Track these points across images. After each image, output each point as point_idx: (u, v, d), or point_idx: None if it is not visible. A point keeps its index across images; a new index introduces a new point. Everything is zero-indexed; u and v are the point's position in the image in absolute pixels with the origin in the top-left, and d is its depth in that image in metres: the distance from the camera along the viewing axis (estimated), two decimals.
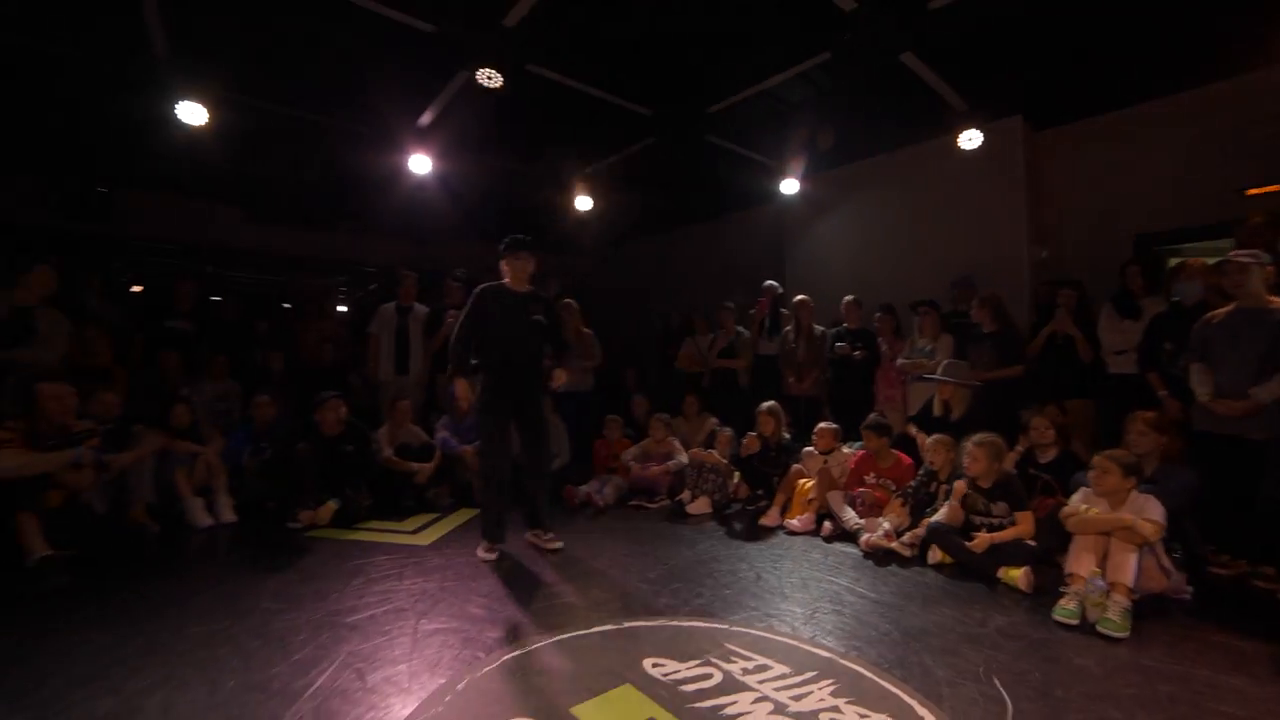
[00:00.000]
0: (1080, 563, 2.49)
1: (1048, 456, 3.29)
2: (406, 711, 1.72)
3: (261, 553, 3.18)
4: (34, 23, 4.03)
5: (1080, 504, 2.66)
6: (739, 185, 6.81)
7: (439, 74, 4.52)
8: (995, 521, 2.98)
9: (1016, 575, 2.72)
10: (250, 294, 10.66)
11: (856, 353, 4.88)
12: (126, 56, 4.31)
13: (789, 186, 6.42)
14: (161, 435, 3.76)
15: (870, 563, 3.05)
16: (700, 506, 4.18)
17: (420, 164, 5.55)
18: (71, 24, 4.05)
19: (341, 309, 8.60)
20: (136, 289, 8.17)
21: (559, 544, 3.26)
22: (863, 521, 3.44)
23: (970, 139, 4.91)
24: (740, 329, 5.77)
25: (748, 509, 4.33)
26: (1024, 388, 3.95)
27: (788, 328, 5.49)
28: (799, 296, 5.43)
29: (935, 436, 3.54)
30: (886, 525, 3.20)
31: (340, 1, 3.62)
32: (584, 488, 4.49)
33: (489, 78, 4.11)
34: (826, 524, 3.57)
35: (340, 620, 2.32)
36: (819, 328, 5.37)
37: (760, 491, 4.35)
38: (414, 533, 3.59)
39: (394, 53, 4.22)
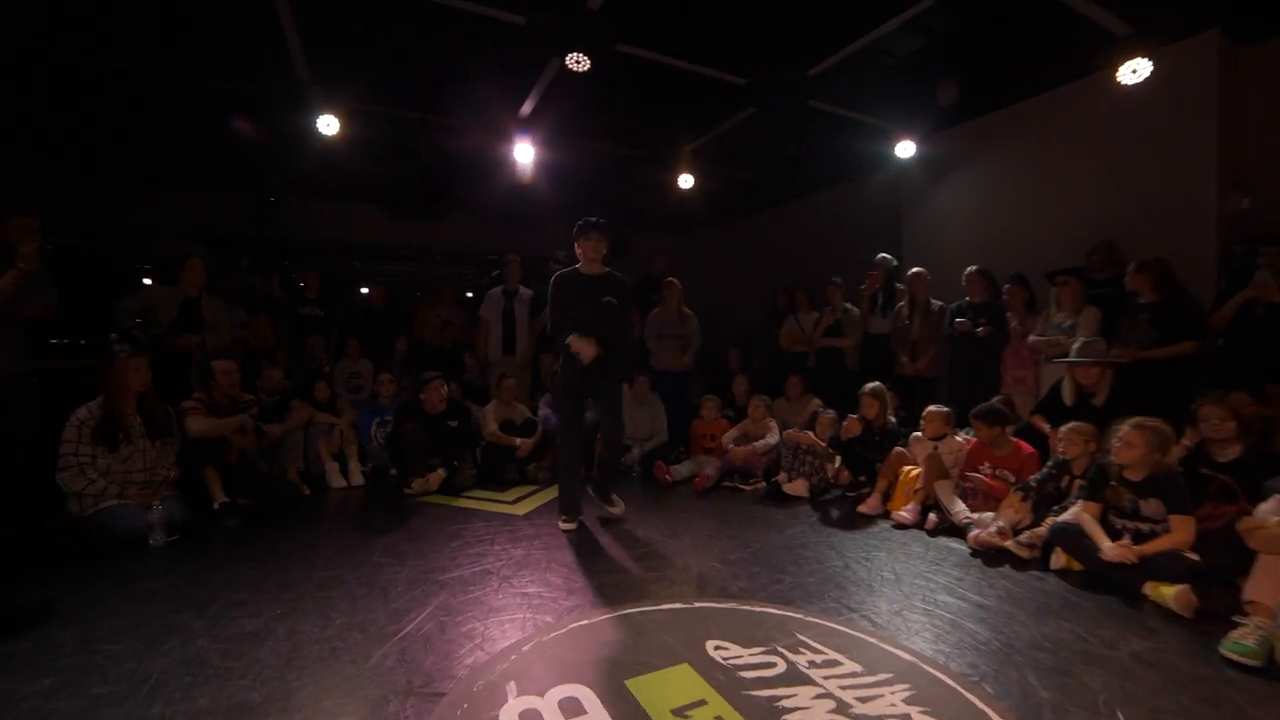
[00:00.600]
0: (1266, 589, 2.00)
1: (1228, 454, 2.70)
2: (475, 663, 1.84)
3: (379, 513, 3.57)
4: (196, 60, 4.74)
5: (1272, 515, 2.17)
6: (847, 152, 6.33)
7: (534, 64, 4.66)
8: (1145, 528, 2.53)
9: (1169, 594, 2.23)
10: (390, 282, 11.91)
11: (979, 329, 4.38)
12: (275, 80, 4.93)
13: (904, 149, 5.87)
14: (308, 407, 4.33)
15: (979, 562, 2.74)
16: (797, 488, 4.02)
17: (524, 153, 5.79)
18: (225, 57, 4.69)
19: (470, 294, 9.34)
20: (303, 283, 9.37)
21: (619, 509, 3.39)
22: (974, 516, 3.10)
23: (1135, 70, 4.09)
24: (848, 306, 5.41)
25: (848, 495, 4.10)
26: (1202, 369, 3.30)
27: (901, 303, 5.08)
28: (914, 269, 4.98)
29: (1072, 424, 3.07)
30: (1001, 521, 2.86)
31: (440, 7, 3.85)
32: (677, 466, 4.49)
33: (577, 62, 4.17)
34: (932, 516, 3.27)
35: (434, 577, 2.53)
36: (937, 303, 4.90)
37: (863, 478, 4.10)
38: (512, 503, 3.82)
39: (492, 48, 4.41)
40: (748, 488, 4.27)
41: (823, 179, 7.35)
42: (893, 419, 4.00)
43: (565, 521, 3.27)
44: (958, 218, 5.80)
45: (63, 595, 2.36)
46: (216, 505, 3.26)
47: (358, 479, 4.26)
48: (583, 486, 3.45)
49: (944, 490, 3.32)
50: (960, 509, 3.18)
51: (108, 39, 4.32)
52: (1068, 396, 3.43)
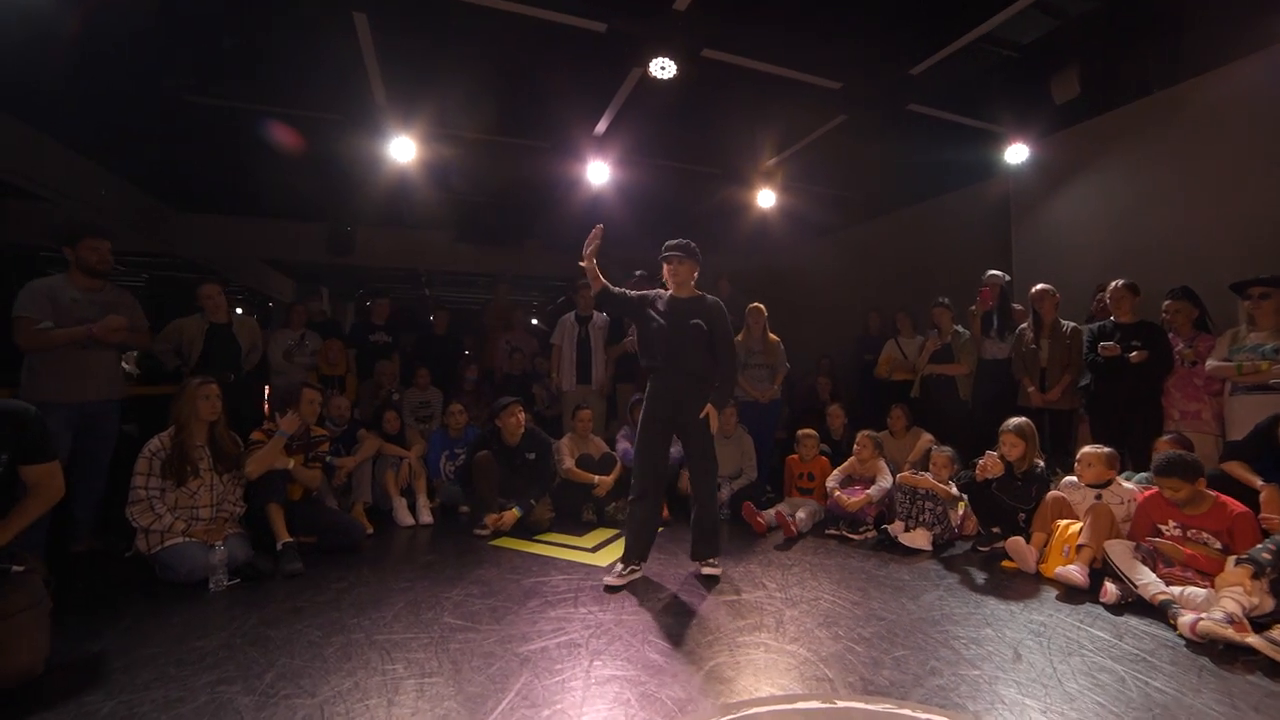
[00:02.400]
0: None
1: None
2: None
3: (449, 559, 3.25)
4: (279, 90, 4.78)
5: None
6: (951, 160, 5.77)
7: (613, 75, 4.42)
8: None
9: None
10: (462, 310, 12.01)
11: (1132, 354, 3.68)
12: (353, 106, 4.92)
13: (1015, 154, 5.28)
14: (377, 438, 4.13)
15: (1205, 660, 2.09)
16: (917, 539, 3.44)
17: (598, 172, 5.58)
18: (305, 84, 4.70)
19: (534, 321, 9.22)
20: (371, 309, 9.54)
21: (718, 570, 2.96)
22: (1174, 592, 2.45)
23: None
24: (958, 328, 4.80)
25: (979, 550, 3.47)
26: None
27: (1023, 325, 4.44)
28: (1039, 286, 4.34)
29: None
30: (1228, 605, 2.21)
31: (515, 17, 3.67)
32: (773, 509, 3.99)
33: (662, 68, 3.89)
34: (1110, 585, 2.62)
35: (513, 649, 2.16)
36: (1068, 323, 4.24)
37: (996, 529, 3.47)
38: (593, 550, 3.43)
39: (568, 60, 4.21)
40: (857, 536, 3.71)
41: (918, 191, 6.78)
42: (1040, 462, 3.36)
43: (618, 576, 2.84)
44: (1080, 228, 5.09)
45: (113, 649, 2.13)
46: (280, 545, 3.04)
47: (426, 517, 3.98)
48: (656, 531, 3.08)
49: (1121, 555, 2.67)
50: (1151, 581, 2.53)
51: (197, 70, 4.39)
52: None
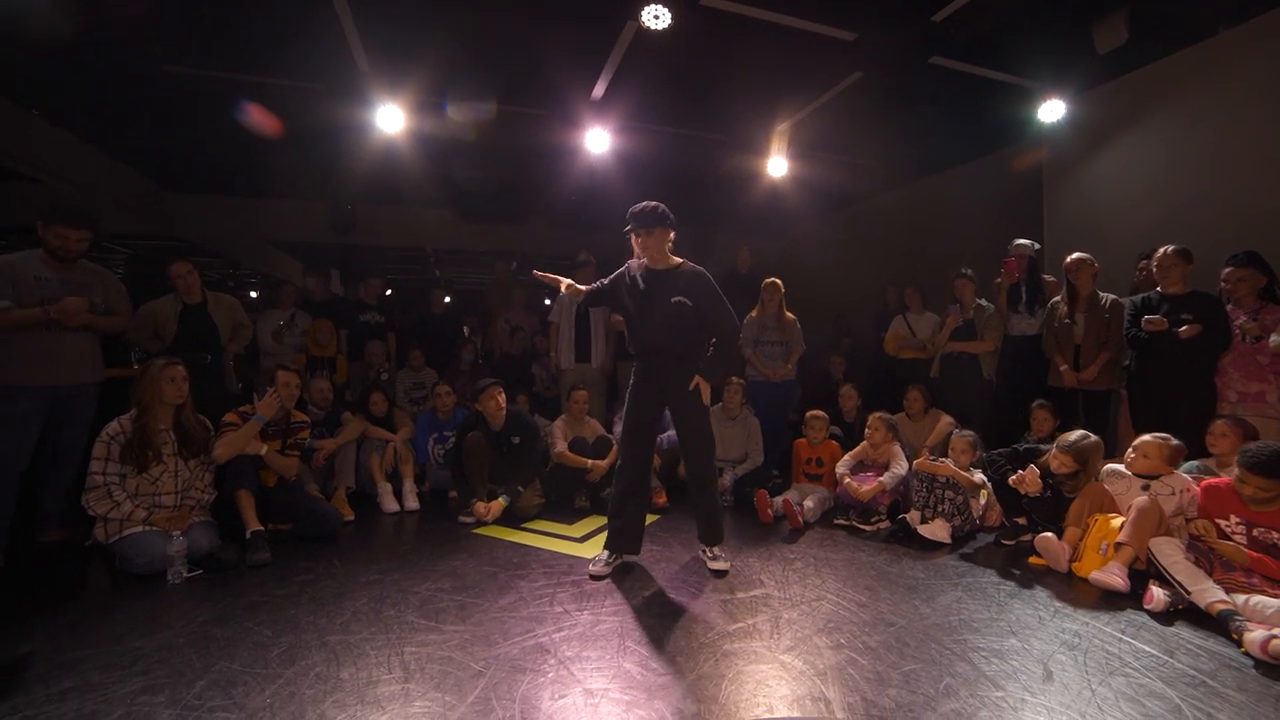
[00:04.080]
0: None
1: None
2: None
3: (426, 549, 3.06)
4: (257, 59, 4.55)
5: None
6: (977, 120, 5.32)
7: (607, 31, 4.09)
8: None
9: None
10: (471, 291, 11.79)
11: (1182, 329, 3.30)
12: (337, 74, 4.66)
13: (1050, 111, 4.83)
14: (361, 421, 3.95)
15: (1271, 679, 1.80)
16: (936, 531, 3.15)
17: (598, 140, 5.27)
18: (285, 53, 4.45)
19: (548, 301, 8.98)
20: (387, 291, 9.40)
21: (724, 565, 2.72)
22: (1236, 601, 2.14)
23: None
24: (982, 302, 4.44)
25: (1002, 543, 3.18)
26: None
27: (1056, 298, 4.06)
28: (1076, 254, 3.94)
29: None
30: None
31: None
32: (780, 498, 3.73)
33: (655, 17, 3.55)
34: (1158, 593, 2.31)
35: (474, 654, 1.94)
36: (1107, 296, 3.86)
37: (1021, 520, 3.17)
38: (580, 540, 3.21)
39: (557, 15, 3.89)
40: (868, 527, 3.43)
41: (942, 157, 6.32)
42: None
43: (602, 565, 2.68)
44: (1121, 193, 4.64)
45: (42, 651, 1.96)
46: (248, 534, 2.87)
47: (412, 503, 3.80)
48: (644, 522, 2.86)
49: (1169, 554, 2.36)
50: (1207, 587, 2.21)
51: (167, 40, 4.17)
52: None
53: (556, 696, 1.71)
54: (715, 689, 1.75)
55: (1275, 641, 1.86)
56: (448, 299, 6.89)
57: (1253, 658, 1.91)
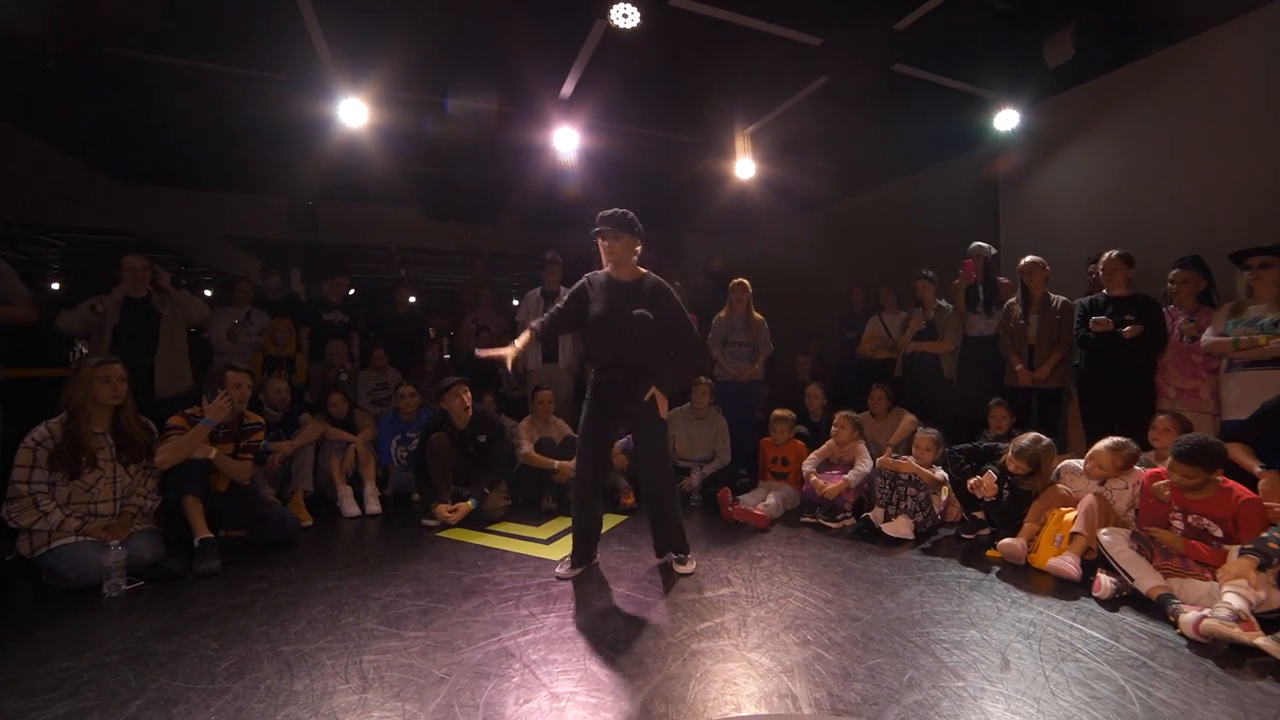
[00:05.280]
0: None
1: None
2: None
3: (387, 553, 2.97)
4: (214, 46, 4.36)
5: None
6: (938, 128, 5.48)
7: (575, 28, 4.05)
8: None
9: None
10: (438, 291, 11.53)
11: (1125, 329, 3.45)
12: (298, 65, 4.50)
13: (1005, 120, 5.01)
14: (320, 423, 3.82)
15: (1209, 663, 1.87)
16: (899, 528, 3.21)
17: (566, 139, 5.22)
18: (244, 42, 4.28)
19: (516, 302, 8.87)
20: (350, 290, 9.17)
21: (690, 568, 2.70)
22: (1172, 585, 2.24)
23: None
24: (942, 303, 4.56)
25: (963, 537, 3.26)
26: None
27: (1011, 300, 4.21)
28: (1029, 258, 4.09)
29: None
30: (1233, 601, 1.99)
31: None
32: (745, 496, 3.75)
33: (624, 15, 3.54)
34: (1105, 580, 2.40)
35: (437, 661, 1.89)
36: (1058, 297, 4.01)
37: (980, 515, 3.25)
38: (547, 542, 3.16)
39: (525, 10, 3.84)
40: (834, 524, 3.48)
41: (904, 161, 6.48)
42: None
43: (567, 568, 2.68)
44: (1072, 199, 4.85)
45: None
46: (196, 542, 2.73)
47: (374, 506, 3.69)
48: (599, 530, 2.82)
49: (1116, 544, 2.45)
50: (1147, 574, 2.31)
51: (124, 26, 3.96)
52: None
53: (521, 701, 1.67)
54: (683, 689, 1.74)
55: (1206, 622, 1.96)
56: (413, 299, 6.73)
57: (1187, 638, 2.01)
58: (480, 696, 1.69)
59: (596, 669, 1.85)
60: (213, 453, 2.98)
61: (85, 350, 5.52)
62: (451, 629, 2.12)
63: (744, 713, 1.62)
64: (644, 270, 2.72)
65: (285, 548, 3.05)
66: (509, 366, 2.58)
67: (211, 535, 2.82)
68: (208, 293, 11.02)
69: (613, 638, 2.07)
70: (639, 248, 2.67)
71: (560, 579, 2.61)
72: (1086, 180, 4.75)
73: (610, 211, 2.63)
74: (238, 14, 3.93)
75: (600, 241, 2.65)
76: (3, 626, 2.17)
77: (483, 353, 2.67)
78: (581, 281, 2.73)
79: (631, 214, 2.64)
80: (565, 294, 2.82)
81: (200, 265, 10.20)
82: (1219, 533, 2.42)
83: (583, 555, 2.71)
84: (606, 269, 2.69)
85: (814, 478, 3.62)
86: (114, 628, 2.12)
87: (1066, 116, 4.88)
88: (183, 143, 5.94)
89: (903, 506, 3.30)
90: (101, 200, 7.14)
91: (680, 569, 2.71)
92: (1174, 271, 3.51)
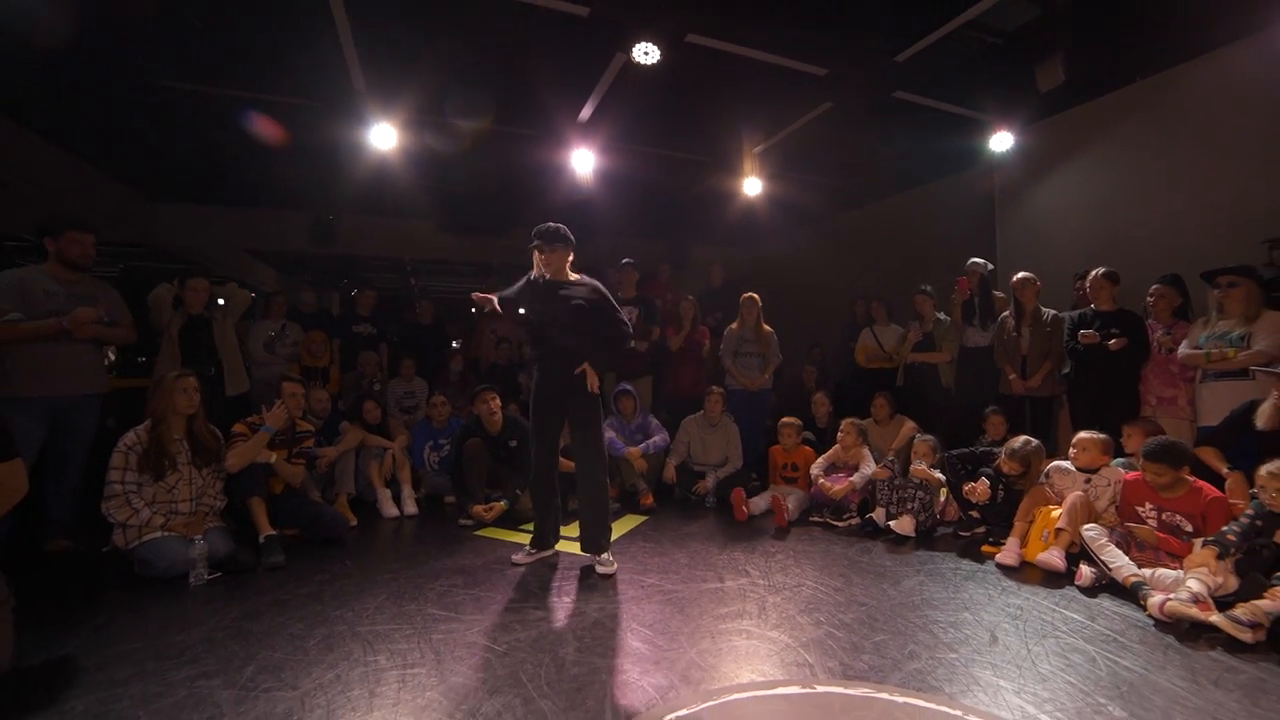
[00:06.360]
0: None
1: None
2: None
3: (432, 549, 3.24)
4: (259, 80, 4.68)
5: None
6: (933, 148, 5.78)
7: (596, 61, 4.36)
8: None
9: None
10: (448, 300, 11.82)
11: (1111, 342, 3.73)
12: (333, 93, 4.81)
13: (1000, 142, 5.30)
14: (359, 430, 4.10)
15: (1171, 639, 2.14)
16: (903, 526, 3.48)
17: (583, 160, 5.52)
18: (285, 73, 4.60)
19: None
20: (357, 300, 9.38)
21: (611, 569, 2.86)
22: (1145, 574, 2.51)
23: None
24: (940, 315, 4.84)
25: (960, 535, 3.53)
26: None
27: (1005, 313, 4.48)
28: (1021, 274, 4.37)
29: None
30: (1194, 585, 2.26)
31: (496, 0, 3.59)
32: (755, 499, 4.02)
33: (645, 54, 3.84)
34: (1085, 570, 2.68)
35: (496, 639, 2.16)
36: (1049, 311, 4.29)
37: (974, 514, 3.52)
38: (576, 539, 3.43)
39: (551, 45, 4.14)
40: (841, 523, 3.75)
41: (904, 179, 6.79)
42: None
43: (525, 554, 3.02)
44: (1063, 217, 5.15)
45: (88, 647, 2.10)
46: (262, 539, 3.01)
47: (411, 508, 3.97)
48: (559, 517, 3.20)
49: (1096, 537, 2.72)
50: (1124, 564, 2.58)
51: (173, 57, 4.28)
52: (1265, 419, 2.75)
53: (577, 670, 1.94)
54: (715, 659, 2.01)
55: (1169, 604, 2.24)
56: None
57: (1153, 618, 2.29)
58: (540, 667, 1.96)
59: (638, 644, 2.12)
60: (273, 458, 3.27)
61: (113, 356, 5.85)
62: (504, 613, 2.39)
63: (769, 677, 1.89)
64: (576, 275, 3.03)
65: (336, 545, 3.32)
66: (497, 308, 2.95)
67: (274, 533, 3.10)
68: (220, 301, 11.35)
69: (648, 620, 2.34)
70: (571, 256, 3.00)
71: (516, 565, 2.94)
72: (1077, 199, 5.05)
73: (545, 226, 2.96)
74: (285, 49, 4.24)
75: (537, 254, 2.95)
76: (115, 608, 2.45)
77: (477, 295, 3.01)
78: (525, 278, 3.05)
79: (564, 228, 2.97)
80: (518, 282, 3.10)
81: (220, 276, 10.51)
82: (1189, 528, 2.69)
83: (542, 540, 3.04)
84: (546, 275, 2.97)
85: (821, 480, 3.89)
86: (208, 611, 2.40)
87: (1058, 138, 5.18)
88: (214, 163, 6.25)
89: (908, 507, 3.57)
90: (132, 216, 7.46)
91: (601, 570, 2.84)
92: (1153, 287, 3.79)
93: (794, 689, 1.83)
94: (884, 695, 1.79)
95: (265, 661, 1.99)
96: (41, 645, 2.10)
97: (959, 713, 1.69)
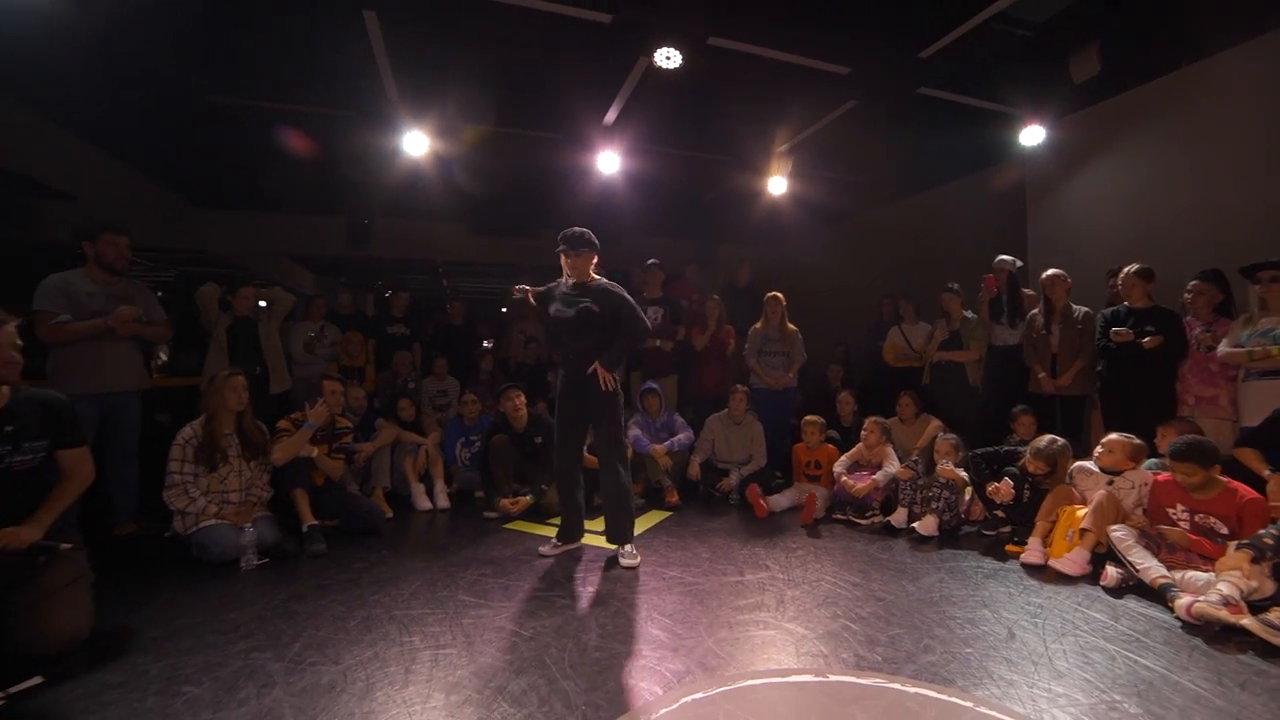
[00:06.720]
0: None
1: None
2: None
3: (463, 541, 3.39)
4: (300, 93, 4.92)
5: None
6: (962, 144, 5.70)
7: (620, 66, 4.45)
8: None
9: None
10: (478, 301, 12.09)
11: (1145, 339, 3.65)
12: (368, 102, 5.02)
13: (1031, 136, 5.20)
14: (395, 427, 4.28)
15: (1199, 641, 2.13)
16: (927, 526, 3.48)
17: (609, 162, 5.62)
18: (324, 86, 4.83)
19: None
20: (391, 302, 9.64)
21: (634, 561, 2.96)
22: (1174, 576, 2.48)
23: None
24: (968, 314, 4.79)
25: (984, 534, 3.51)
26: None
27: (1034, 311, 4.41)
28: (1050, 271, 4.30)
29: None
30: (1225, 588, 2.23)
31: (521, 10, 3.71)
32: (776, 496, 4.06)
33: (667, 58, 3.91)
34: (1111, 570, 2.65)
35: (523, 625, 2.27)
36: (1080, 308, 4.21)
37: (1000, 513, 3.49)
38: (602, 533, 3.53)
39: (575, 52, 4.24)
40: (864, 521, 3.76)
41: (932, 176, 6.71)
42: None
43: (551, 546, 3.14)
44: (1096, 212, 5.02)
45: (154, 620, 2.31)
46: (305, 528, 3.20)
47: (443, 501, 4.13)
48: (581, 513, 3.27)
49: (1124, 538, 2.69)
50: (1152, 565, 2.55)
51: (216, 70, 4.53)
52: None
53: (598, 654, 2.03)
54: (731, 648, 2.08)
55: (1197, 605, 2.20)
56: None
57: (1181, 620, 2.26)
58: (563, 651, 2.06)
59: (658, 633, 2.21)
60: (315, 452, 3.46)
61: (165, 357, 6.20)
62: (530, 601, 2.50)
63: (783, 666, 1.95)
64: (596, 277, 3.12)
65: (373, 535, 3.49)
66: (531, 299, 3.19)
67: (316, 523, 3.28)
68: (261, 304, 11.85)
69: (668, 610, 2.42)
70: (596, 259, 3.10)
71: (543, 556, 3.06)
72: (1112, 193, 4.92)
73: (570, 231, 3.05)
74: (322, 64, 4.45)
75: (563, 258, 3.07)
76: (177, 587, 2.66)
77: (518, 290, 3.22)
78: (553, 283, 3.21)
79: (589, 232, 3.07)
80: (546, 287, 3.28)
81: (263, 280, 10.98)
82: (1224, 530, 2.64)
83: (568, 534, 3.15)
84: (570, 279, 3.10)
85: (844, 478, 3.91)
86: (257, 593, 2.58)
87: (1092, 131, 5.05)
88: (256, 171, 6.56)
89: (932, 506, 3.56)
90: (186, 224, 7.88)
91: (624, 562, 2.95)
92: (1192, 283, 3.69)
93: (807, 677, 1.89)
94: (895, 686, 1.83)
95: (311, 639, 2.14)
96: (117, 616, 2.31)
97: (969, 704, 1.73)
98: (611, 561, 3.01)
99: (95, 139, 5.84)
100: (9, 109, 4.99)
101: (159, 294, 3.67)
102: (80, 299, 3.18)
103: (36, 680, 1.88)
